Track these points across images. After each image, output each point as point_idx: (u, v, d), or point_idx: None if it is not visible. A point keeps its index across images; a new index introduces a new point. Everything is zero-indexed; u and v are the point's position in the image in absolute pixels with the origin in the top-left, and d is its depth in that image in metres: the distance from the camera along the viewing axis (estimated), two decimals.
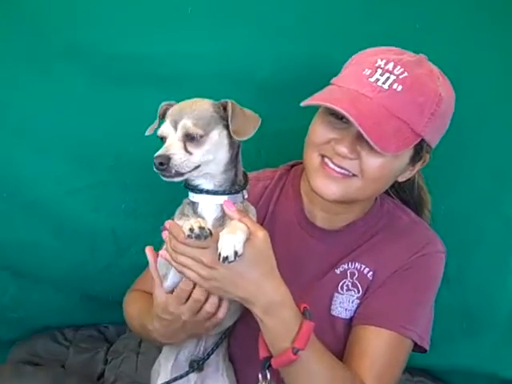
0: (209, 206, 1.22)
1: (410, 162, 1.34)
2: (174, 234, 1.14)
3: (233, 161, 1.23)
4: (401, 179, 1.38)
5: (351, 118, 1.18)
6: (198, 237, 1.09)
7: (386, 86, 1.23)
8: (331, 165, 1.29)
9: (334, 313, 1.42)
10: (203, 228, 1.10)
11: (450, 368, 1.96)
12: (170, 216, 1.27)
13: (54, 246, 1.86)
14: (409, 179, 1.43)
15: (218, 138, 1.18)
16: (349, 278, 1.42)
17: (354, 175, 1.28)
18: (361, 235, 1.45)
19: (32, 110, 1.71)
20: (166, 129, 1.17)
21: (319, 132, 1.32)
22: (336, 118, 1.28)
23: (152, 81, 1.66)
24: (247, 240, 1.12)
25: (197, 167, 1.16)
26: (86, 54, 1.65)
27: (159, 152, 1.13)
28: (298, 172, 1.53)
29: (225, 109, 1.18)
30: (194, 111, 1.16)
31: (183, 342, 1.38)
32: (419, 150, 1.31)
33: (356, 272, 1.42)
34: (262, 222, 1.46)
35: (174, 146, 1.13)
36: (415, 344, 1.38)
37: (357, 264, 1.42)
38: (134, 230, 1.86)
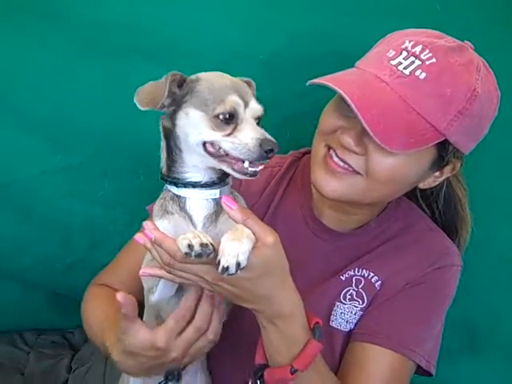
0: (199, 202, 1.04)
1: (433, 167, 1.19)
2: (169, 252, 0.94)
3: None
4: (422, 186, 1.25)
5: (352, 104, 1.05)
6: (198, 255, 0.90)
7: (407, 72, 1.09)
8: (335, 158, 1.17)
9: (333, 324, 1.30)
10: (205, 245, 0.90)
11: None
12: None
13: (21, 233, 1.69)
14: (436, 187, 1.30)
15: None
16: (354, 286, 1.30)
17: (358, 173, 1.15)
18: (372, 239, 1.33)
19: (2, 77, 1.53)
20: (238, 104, 0.99)
21: (328, 118, 1.20)
22: (347, 104, 1.13)
23: (143, 53, 1.50)
24: (254, 248, 0.94)
25: None
26: (68, 17, 1.47)
27: (268, 136, 0.97)
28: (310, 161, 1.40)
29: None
30: (249, 91, 1.04)
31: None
32: (443, 152, 1.16)
33: (362, 280, 1.30)
34: (264, 213, 1.35)
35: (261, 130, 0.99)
36: (419, 366, 1.26)
37: (364, 271, 1.31)
38: (111, 221, 1.71)
